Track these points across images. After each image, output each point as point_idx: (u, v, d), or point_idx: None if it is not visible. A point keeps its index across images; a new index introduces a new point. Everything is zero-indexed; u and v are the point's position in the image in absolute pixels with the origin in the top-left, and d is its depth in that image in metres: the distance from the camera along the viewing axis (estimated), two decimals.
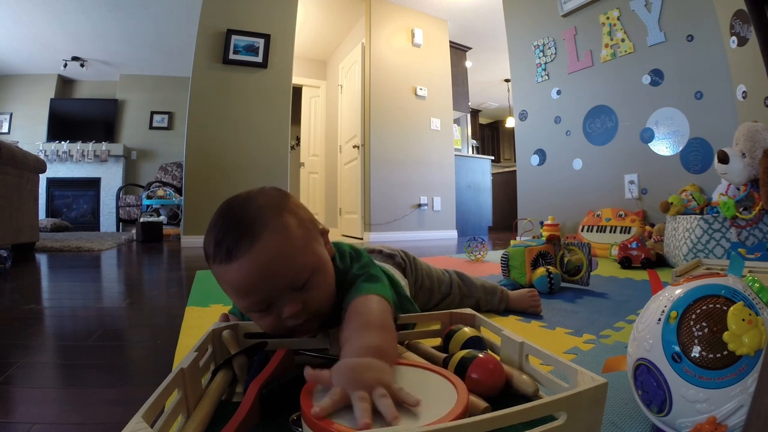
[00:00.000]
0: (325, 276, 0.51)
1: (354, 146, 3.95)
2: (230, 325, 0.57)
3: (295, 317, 0.48)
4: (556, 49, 2.83)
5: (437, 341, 0.62)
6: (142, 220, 3.44)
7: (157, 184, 4.25)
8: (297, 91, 4.15)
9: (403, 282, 0.77)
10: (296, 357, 0.52)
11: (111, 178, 5.17)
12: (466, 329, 0.57)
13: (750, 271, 0.97)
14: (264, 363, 0.47)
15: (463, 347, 0.54)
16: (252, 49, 3.13)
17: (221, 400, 0.47)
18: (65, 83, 5.36)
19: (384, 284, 0.55)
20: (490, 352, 0.51)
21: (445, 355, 0.54)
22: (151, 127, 5.45)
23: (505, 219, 5.30)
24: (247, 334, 0.57)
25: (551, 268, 1.17)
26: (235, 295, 0.49)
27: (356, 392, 0.34)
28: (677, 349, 0.38)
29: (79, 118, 5.16)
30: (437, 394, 0.38)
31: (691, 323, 0.38)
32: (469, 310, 0.64)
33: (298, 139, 5.25)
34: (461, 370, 0.47)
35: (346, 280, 0.55)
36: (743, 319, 0.36)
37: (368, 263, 0.59)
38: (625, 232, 2.18)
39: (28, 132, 4.98)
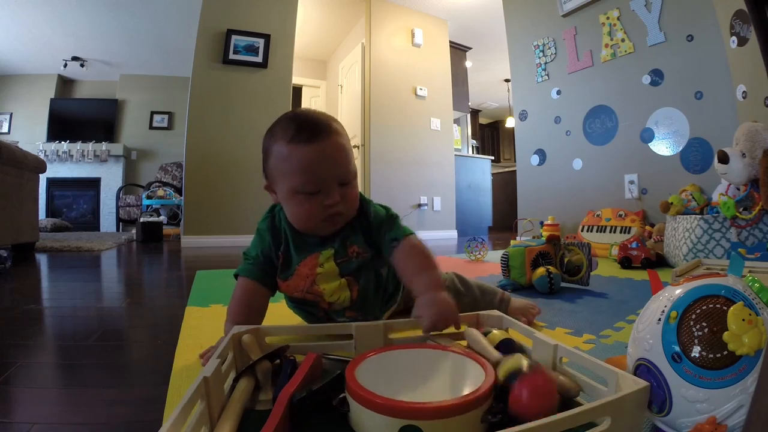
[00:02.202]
0: (356, 185, 0.66)
1: (354, 146, 3.95)
2: (251, 329, 0.55)
3: (334, 206, 0.61)
4: (556, 49, 2.83)
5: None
6: (142, 220, 3.44)
7: (157, 184, 4.25)
8: (297, 91, 4.15)
9: None
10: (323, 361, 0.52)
11: (111, 178, 5.17)
12: (496, 332, 0.56)
13: (750, 271, 0.97)
14: (292, 370, 0.46)
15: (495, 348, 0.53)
16: (252, 49, 3.13)
17: (245, 409, 0.44)
18: (65, 83, 5.36)
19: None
20: (542, 366, 0.45)
21: (498, 355, 0.50)
22: (151, 127, 5.44)
23: (505, 219, 5.30)
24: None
25: (551, 268, 1.17)
26: (295, 173, 0.59)
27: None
28: (677, 349, 0.38)
29: (79, 118, 5.16)
30: (468, 376, 0.43)
31: (691, 323, 0.38)
32: (496, 312, 0.64)
33: None
34: (509, 382, 0.41)
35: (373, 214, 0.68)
36: (743, 319, 0.36)
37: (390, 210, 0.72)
38: (625, 232, 2.18)
39: (28, 132, 4.98)
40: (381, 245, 0.67)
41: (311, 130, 0.59)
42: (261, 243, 0.69)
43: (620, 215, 2.28)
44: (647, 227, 2.13)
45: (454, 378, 0.43)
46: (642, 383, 0.37)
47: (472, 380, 0.41)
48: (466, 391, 0.38)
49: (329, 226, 0.64)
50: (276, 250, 0.68)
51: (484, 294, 0.92)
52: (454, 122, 4.65)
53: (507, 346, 0.54)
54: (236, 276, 0.69)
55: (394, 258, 0.65)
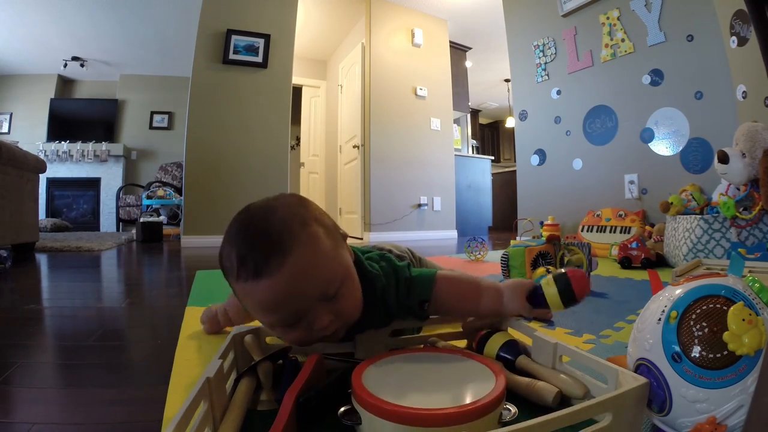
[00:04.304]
0: (353, 283, 0.50)
1: (354, 146, 3.95)
2: (252, 329, 0.55)
3: (326, 328, 0.47)
4: (556, 49, 2.83)
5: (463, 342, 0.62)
6: (142, 220, 3.44)
7: (157, 184, 4.25)
8: (297, 91, 4.15)
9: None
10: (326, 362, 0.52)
11: (111, 178, 5.17)
12: (498, 333, 0.56)
13: (750, 271, 0.97)
14: (295, 370, 0.45)
15: (498, 352, 0.53)
16: (252, 49, 3.13)
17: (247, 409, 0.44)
18: (65, 83, 5.36)
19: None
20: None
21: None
22: (151, 127, 5.44)
23: (505, 219, 5.30)
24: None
25: (551, 268, 1.17)
26: (261, 313, 0.47)
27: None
28: (677, 349, 0.38)
29: (79, 118, 5.16)
30: (477, 379, 0.41)
31: (691, 323, 0.38)
32: None
33: (298, 139, 5.25)
34: (562, 282, 0.52)
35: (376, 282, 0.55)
36: (743, 319, 0.36)
37: (397, 260, 0.60)
38: (625, 232, 2.18)
39: (28, 132, 4.98)
40: (410, 313, 0.56)
41: (257, 261, 0.43)
42: None
43: (620, 215, 2.28)
44: (647, 227, 2.13)
45: (463, 381, 0.42)
46: (642, 379, 0.37)
47: (482, 382, 0.40)
48: (478, 394, 0.37)
49: (332, 339, 0.51)
50: None
51: None
52: (454, 122, 4.65)
53: (510, 347, 0.53)
54: None
55: (434, 311, 0.56)
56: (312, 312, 0.46)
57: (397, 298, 0.54)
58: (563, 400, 0.44)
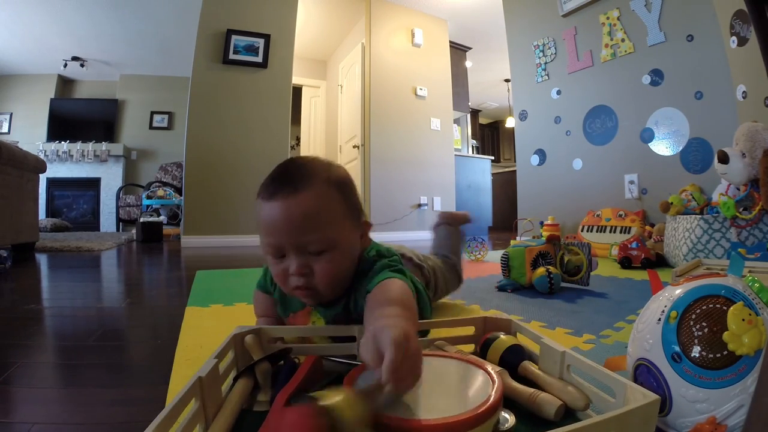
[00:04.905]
0: (341, 256, 0.52)
1: (354, 146, 3.95)
2: (253, 329, 0.55)
3: (298, 278, 0.51)
4: (556, 49, 2.83)
5: (470, 347, 0.61)
6: (142, 220, 3.44)
7: (157, 184, 4.25)
8: (297, 91, 4.15)
9: (421, 287, 0.76)
10: (324, 363, 0.51)
11: (111, 178, 5.17)
12: (504, 337, 0.54)
13: (750, 271, 0.97)
14: (291, 372, 0.46)
15: (502, 356, 0.52)
16: (252, 49, 3.13)
17: (242, 409, 0.45)
18: (65, 83, 5.36)
19: (407, 277, 0.54)
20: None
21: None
22: (151, 127, 5.45)
23: (505, 219, 5.30)
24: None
25: (551, 268, 1.16)
26: (261, 232, 0.52)
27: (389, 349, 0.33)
28: (677, 349, 0.38)
29: (79, 118, 5.16)
30: (474, 386, 0.39)
31: (691, 323, 0.38)
32: (504, 315, 0.61)
33: (298, 139, 5.25)
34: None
35: (371, 269, 0.55)
36: (743, 319, 0.36)
37: (398, 260, 0.59)
38: (625, 232, 2.18)
39: (28, 132, 4.98)
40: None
41: (278, 184, 0.51)
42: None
43: (620, 215, 2.28)
44: (647, 227, 2.13)
45: (458, 388, 0.41)
46: (652, 396, 0.35)
47: (479, 389, 0.38)
48: (473, 402, 0.35)
49: (305, 298, 0.54)
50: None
51: (449, 272, 0.95)
52: (454, 122, 4.65)
53: (515, 353, 0.52)
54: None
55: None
56: (290, 257, 0.51)
57: (366, 282, 0.53)
58: (567, 411, 0.42)
